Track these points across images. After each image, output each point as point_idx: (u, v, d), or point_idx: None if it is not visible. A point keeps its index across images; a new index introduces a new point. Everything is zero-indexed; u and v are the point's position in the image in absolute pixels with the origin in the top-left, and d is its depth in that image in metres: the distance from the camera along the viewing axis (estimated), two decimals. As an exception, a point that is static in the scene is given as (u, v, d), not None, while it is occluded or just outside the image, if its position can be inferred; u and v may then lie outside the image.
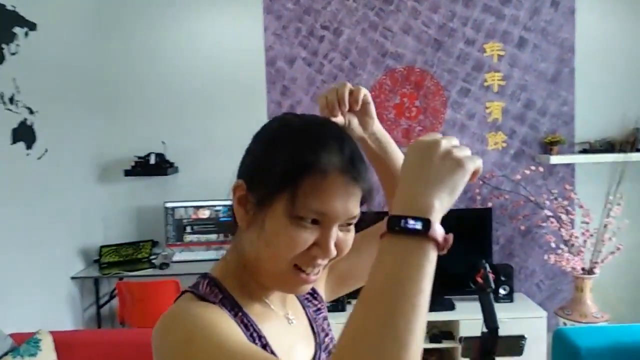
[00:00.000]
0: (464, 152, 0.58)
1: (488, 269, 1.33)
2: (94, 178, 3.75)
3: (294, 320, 0.79)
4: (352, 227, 0.71)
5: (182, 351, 0.59)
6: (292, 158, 0.66)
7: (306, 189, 0.65)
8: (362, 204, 0.70)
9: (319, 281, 0.89)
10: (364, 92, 0.80)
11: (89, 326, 3.53)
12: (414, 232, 0.53)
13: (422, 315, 0.50)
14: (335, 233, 0.68)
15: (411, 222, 0.53)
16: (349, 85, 0.79)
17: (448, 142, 0.58)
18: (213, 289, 0.71)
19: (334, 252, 0.68)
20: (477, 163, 0.58)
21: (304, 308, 0.84)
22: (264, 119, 3.72)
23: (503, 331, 1.64)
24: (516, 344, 1.48)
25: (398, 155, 0.88)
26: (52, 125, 3.14)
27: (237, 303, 0.71)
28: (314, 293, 0.87)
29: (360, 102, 0.79)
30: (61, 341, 2.51)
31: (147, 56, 3.79)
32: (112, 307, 3.71)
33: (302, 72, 3.77)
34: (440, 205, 0.55)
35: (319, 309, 0.86)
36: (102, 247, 3.52)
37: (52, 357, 2.42)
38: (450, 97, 3.73)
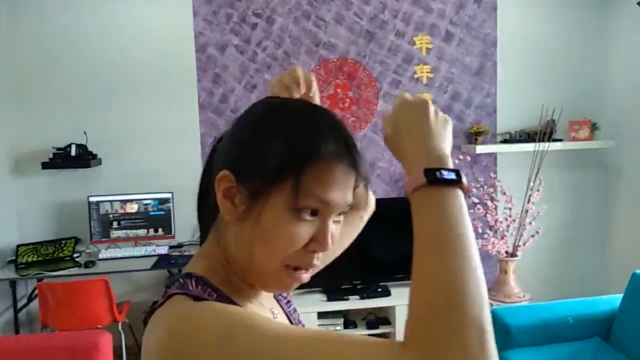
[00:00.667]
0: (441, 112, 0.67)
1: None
2: (6, 171, 3.44)
3: (278, 315, 0.77)
4: (342, 219, 0.68)
5: (224, 351, 0.52)
6: (291, 145, 0.62)
7: (310, 178, 0.61)
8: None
9: None
10: (312, 75, 0.82)
11: (5, 332, 3.25)
12: (451, 181, 0.57)
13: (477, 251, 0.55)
14: (332, 225, 0.65)
15: (445, 173, 0.57)
16: (301, 68, 0.80)
17: (430, 102, 0.65)
18: (205, 288, 0.65)
19: (330, 245, 0.65)
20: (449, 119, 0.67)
21: (278, 302, 0.82)
22: (194, 107, 3.63)
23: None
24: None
25: None
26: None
27: (233, 301, 0.66)
28: None
29: (313, 84, 0.81)
30: (-21, 351, 2.28)
31: (64, 39, 3.51)
32: (31, 311, 3.44)
33: (234, 60, 3.66)
34: (449, 155, 0.62)
35: (288, 301, 0.85)
36: (18, 246, 3.24)
37: (-30, 369, 2.19)
38: (382, 89, 3.80)
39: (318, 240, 0.64)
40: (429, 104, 0.64)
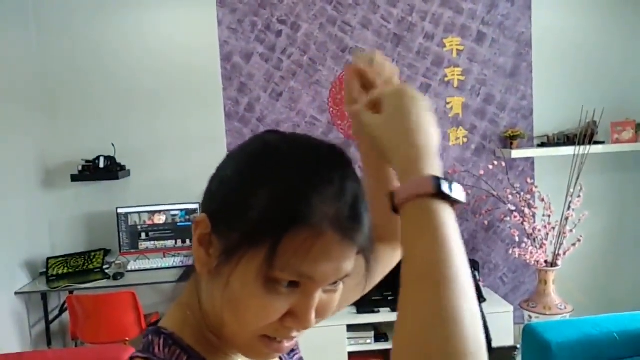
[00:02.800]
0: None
1: (478, 277, 1.25)
2: (37, 184, 3.49)
3: None
4: (341, 285, 0.56)
5: None
6: (277, 199, 0.51)
7: (291, 247, 0.50)
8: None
9: None
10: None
11: (37, 344, 3.28)
12: (456, 195, 0.51)
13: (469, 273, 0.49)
14: (318, 299, 0.54)
15: (455, 186, 0.51)
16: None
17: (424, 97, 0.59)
18: (173, 350, 0.56)
19: (313, 323, 0.54)
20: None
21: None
22: (221, 117, 3.60)
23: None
24: (509, 354, 1.42)
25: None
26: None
27: None
28: None
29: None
30: (6, 366, 2.29)
31: (91, 53, 3.55)
32: (63, 322, 3.47)
33: (259, 68, 3.62)
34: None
35: (292, 350, 0.72)
36: (49, 258, 3.27)
37: (-5, 385, 2.20)
38: (411, 93, 3.68)
39: (297, 316, 0.53)
40: (422, 98, 0.58)
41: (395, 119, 0.56)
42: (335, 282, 0.55)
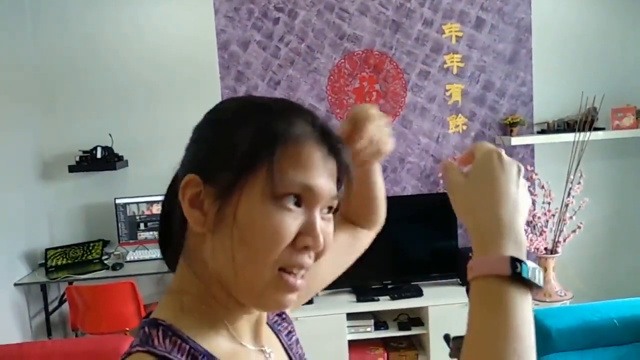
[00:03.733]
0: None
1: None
2: (35, 176, 3.47)
3: (272, 354, 0.64)
4: (332, 217, 0.59)
5: None
6: (260, 129, 0.55)
7: (286, 160, 0.54)
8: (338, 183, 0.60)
9: None
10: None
11: (38, 335, 3.29)
12: (535, 280, 0.51)
13: None
14: (319, 217, 0.56)
15: (531, 269, 0.51)
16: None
17: (517, 165, 0.57)
18: (174, 340, 0.54)
19: (321, 240, 0.55)
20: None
21: (276, 335, 0.70)
22: (218, 107, 3.58)
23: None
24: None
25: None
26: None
27: (207, 352, 0.55)
28: (282, 313, 0.74)
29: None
30: (5, 357, 2.29)
31: (87, 44, 3.51)
32: (63, 313, 3.47)
33: (257, 56, 3.59)
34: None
35: (290, 332, 0.73)
36: (47, 250, 3.26)
37: (-5, 376, 2.20)
38: (410, 80, 3.65)
39: (307, 233, 0.55)
40: (518, 170, 0.56)
41: (483, 183, 0.55)
42: (329, 210, 0.58)
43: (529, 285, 0.50)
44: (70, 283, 3.23)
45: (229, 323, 0.59)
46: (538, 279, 0.50)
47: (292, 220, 0.54)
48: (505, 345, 0.48)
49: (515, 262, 0.49)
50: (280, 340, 0.70)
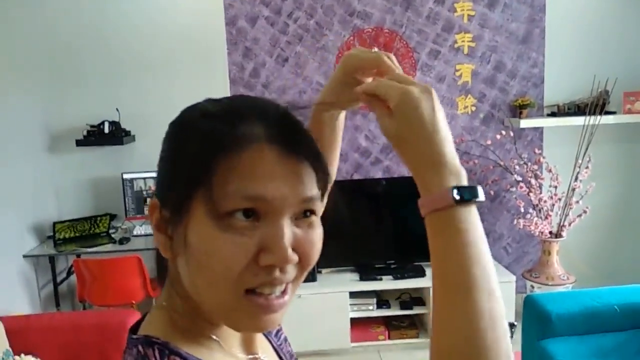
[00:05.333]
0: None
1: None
2: (43, 149, 3.50)
3: (265, 359, 0.63)
4: (316, 220, 0.53)
5: None
6: (200, 143, 0.50)
7: (228, 174, 0.48)
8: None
9: None
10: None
11: (46, 305, 3.36)
12: (475, 199, 0.53)
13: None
14: (288, 229, 0.49)
15: (473, 192, 0.52)
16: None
17: (429, 89, 0.55)
18: (172, 358, 0.51)
19: (290, 254, 0.49)
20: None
21: (266, 337, 0.69)
22: (225, 82, 3.56)
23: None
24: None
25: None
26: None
27: None
28: None
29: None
30: (13, 328, 2.35)
31: (95, 17, 3.48)
32: (71, 284, 3.54)
33: (265, 33, 3.55)
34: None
35: (278, 331, 0.71)
36: (55, 223, 3.31)
37: (4, 347, 2.26)
38: (419, 60, 3.60)
39: (270, 249, 0.48)
40: (434, 94, 0.55)
41: (410, 122, 0.54)
42: (306, 213, 0.52)
43: (473, 202, 0.53)
44: (78, 256, 3.28)
45: (219, 337, 0.57)
46: (480, 196, 0.52)
47: (244, 240, 0.48)
48: (469, 263, 0.50)
49: (455, 190, 0.52)
50: (270, 341, 0.69)
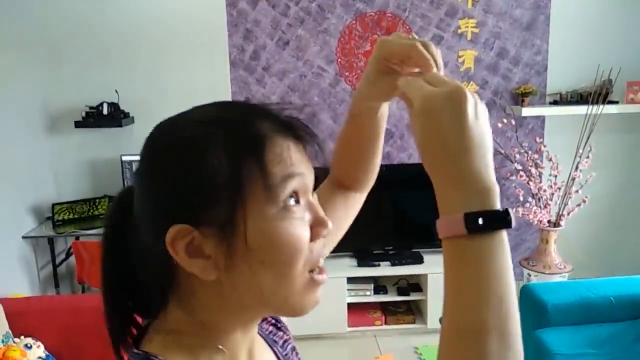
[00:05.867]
0: (481, 103, 0.51)
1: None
2: (42, 130, 3.47)
3: None
4: (316, 197, 0.58)
5: None
6: (230, 146, 0.50)
7: (269, 164, 0.51)
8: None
9: None
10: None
11: (45, 286, 3.37)
12: (498, 228, 0.47)
13: (518, 316, 0.48)
14: (316, 199, 0.56)
15: (491, 218, 0.47)
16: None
17: (470, 93, 0.50)
18: None
19: (328, 221, 0.55)
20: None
21: (271, 347, 0.69)
22: (225, 64, 3.52)
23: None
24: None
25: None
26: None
27: None
28: (276, 323, 0.72)
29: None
30: (13, 310, 2.36)
31: (94, -6, 3.43)
32: (70, 266, 3.55)
33: (266, 15, 3.50)
34: (494, 175, 0.49)
35: (285, 341, 0.72)
36: (54, 204, 3.30)
37: (4, 330, 2.27)
38: (422, 44, 3.55)
39: (319, 224, 0.54)
40: (467, 99, 0.48)
41: (424, 142, 0.50)
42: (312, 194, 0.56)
43: (500, 228, 0.47)
44: (77, 238, 3.29)
45: (227, 349, 0.57)
46: (509, 221, 0.47)
47: (301, 221, 0.52)
48: (480, 303, 0.46)
49: (475, 216, 0.46)
50: (275, 352, 0.69)
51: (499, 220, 0.47)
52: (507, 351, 0.45)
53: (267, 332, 0.70)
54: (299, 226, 0.52)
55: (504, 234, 0.47)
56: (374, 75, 0.61)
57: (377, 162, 0.76)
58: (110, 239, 0.57)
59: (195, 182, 0.50)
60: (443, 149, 0.48)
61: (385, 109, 0.69)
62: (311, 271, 0.54)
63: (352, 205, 0.79)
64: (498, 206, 0.47)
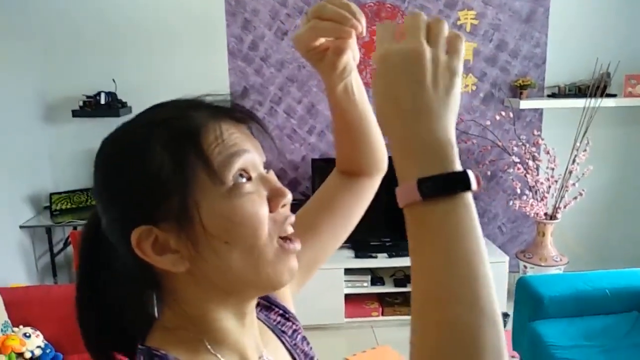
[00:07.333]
0: (454, 53, 0.47)
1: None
2: (38, 118, 3.46)
3: (270, 358, 0.64)
4: (272, 173, 0.59)
5: None
6: (168, 142, 0.52)
7: (210, 149, 0.52)
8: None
9: (286, 295, 0.75)
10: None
11: (44, 276, 3.38)
12: (456, 190, 0.44)
13: (490, 279, 0.44)
14: (270, 173, 0.58)
15: (446, 181, 0.44)
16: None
17: (433, 47, 0.46)
18: None
19: (286, 189, 0.56)
20: (461, 46, 0.47)
21: (279, 337, 0.69)
22: (223, 54, 3.51)
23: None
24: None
25: (368, 109, 0.71)
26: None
27: None
28: (285, 313, 0.72)
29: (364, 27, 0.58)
30: (12, 300, 2.36)
31: (91, -18, 3.40)
32: (68, 255, 3.55)
33: (264, 4, 3.48)
34: (453, 136, 0.46)
35: (295, 330, 0.72)
36: (52, 194, 3.30)
37: (2, 319, 2.28)
38: (421, 36, 3.55)
39: (276, 194, 0.55)
40: (424, 55, 0.45)
41: (379, 105, 0.48)
42: (266, 169, 0.58)
43: (459, 191, 0.44)
44: (75, 228, 3.28)
45: (225, 340, 0.58)
46: (468, 184, 0.44)
47: (256, 197, 0.53)
48: (441, 270, 0.43)
49: (428, 181, 0.44)
50: (283, 342, 0.69)
51: (457, 182, 0.44)
52: (480, 316, 0.42)
53: (274, 323, 0.71)
54: (252, 201, 0.53)
55: (466, 197, 0.44)
56: (316, 65, 0.63)
57: (375, 145, 0.74)
58: (85, 271, 0.60)
59: (143, 183, 0.52)
60: (395, 110, 0.46)
61: (359, 90, 0.68)
62: (282, 239, 0.55)
63: (362, 192, 0.78)
64: (456, 168, 0.44)
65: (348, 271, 3.34)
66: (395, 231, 3.52)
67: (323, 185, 0.80)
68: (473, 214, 0.45)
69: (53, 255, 3.30)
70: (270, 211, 0.54)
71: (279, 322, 0.71)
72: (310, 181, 3.55)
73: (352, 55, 0.63)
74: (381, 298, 3.49)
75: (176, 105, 0.57)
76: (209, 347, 0.57)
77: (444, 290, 0.43)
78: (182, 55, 3.49)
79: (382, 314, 3.42)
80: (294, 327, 0.72)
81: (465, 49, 2.92)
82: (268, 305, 0.71)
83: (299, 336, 0.72)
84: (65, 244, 3.45)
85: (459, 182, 0.44)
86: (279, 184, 0.56)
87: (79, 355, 2.31)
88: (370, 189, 0.79)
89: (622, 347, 2.40)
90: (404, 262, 3.35)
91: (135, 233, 0.52)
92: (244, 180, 0.53)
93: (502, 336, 0.43)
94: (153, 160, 0.52)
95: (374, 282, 3.42)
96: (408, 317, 3.18)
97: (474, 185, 0.44)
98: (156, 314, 0.59)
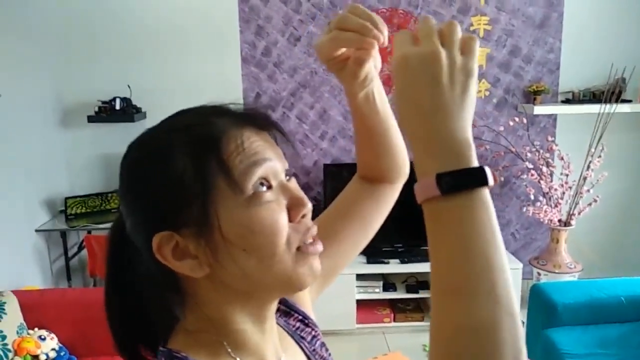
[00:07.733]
0: (469, 54, 0.48)
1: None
2: (54, 123, 3.51)
3: None
4: (294, 181, 0.59)
5: None
6: (190, 149, 0.53)
7: (231, 157, 0.52)
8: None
9: (305, 301, 0.75)
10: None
11: (58, 279, 3.42)
12: (472, 185, 0.46)
13: (507, 272, 0.45)
14: (292, 182, 0.58)
15: (465, 176, 0.46)
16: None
17: (448, 49, 0.47)
18: None
19: (307, 199, 0.57)
20: (475, 47, 0.49)
21: (298, 343, 0.70)
22: (237, 60, 3.53)
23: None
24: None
25: (390, 114, 0.71)
26: (3, 67, 2.87)
27: None
28: (304, 319, 0.73)
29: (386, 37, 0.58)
30: (27, 303, 2.39)
31: (107, -10, 3.45)
32: (82, 259, 3.59)
33: (277, 11, 3.50)
34: (470, 135, 0.48)
35: (314, 337, 0.72)
36: (67, 198, 3.34)
37: (18, 321, 2.31)
38: (434, 42, 3.54)
39: (296, 204, 0.55)
40: (440, 56, 0.47)
41: (398, 106, 0.50)
42: (287, 177, 0.58)
43: (477, 186, 0.46)
44: (89, 232, 3.32)
45: (246, 344, 0.59)
46: (486, 180, 0.45)
47: (276, 206, 0.54)
48: (460, 263, 0.45)
49: (448, 176, 0.45)
50: (302, 348, 0.70)
51: (474, 178, 0.46)
52: (496, 305, 0.43)
53: (294, 329, 0.71)
54: (271, 209, 0.53)
55: (483, 193, 0.46)
56: (337, 74, 0.63)
57: (397, 150, 0.75)
58: (112, 271, 0.61)
59: (166, 189, 0.53)
60: (415, 110, 0.48)
61: (380, 97, 0.68)
62: (299, 248, 0.55)
63: (383, 199, 0.79)
64: (473, 164, 0.46)
65: (360, 277, 3.34)
66: (407, 237, 3.51)
67: (343, 192, 0.80)
68: (490, 209, 0.46)
69: (67, 258, 3.34)
70: (290, 220, 0.55)
71: (298, 327, 0.72)
72: (322, 186, 3.56)
73: (373, 64, 0.63)
74: (393, 304, 3.47)
75: (199, 111, 0.57)
76: (229, 350, 0.58)
77: (461, 281, 0.45)
78: (196, 62, 3.53)
79: (394, 320, 3.40)
80: (313, 333, 0.72)
81: (479, 54, 2.93)
82: (287, 311, 0.72)
83: (318, 342, 0.72)
84: (80, 248, 3.49)
85: (477, 177, 0.46)
86: (299, 193, 0.56)
87: (92, 357, 2.33)
88: (391, 195, 0.80)
89: (638, 356, 2.37)
90: (416, 268, 3.34)
91: (156, 238, 0.53)
92: (264, 188, 0.54)
93: (520, 328, 0.44)
94: (175, 166, 0.53)
95: (385, 288, 3.41)
96: (420, 324, 3.20)
97: (490, 181, 0.46)
98: (179, 316, 0.60)
